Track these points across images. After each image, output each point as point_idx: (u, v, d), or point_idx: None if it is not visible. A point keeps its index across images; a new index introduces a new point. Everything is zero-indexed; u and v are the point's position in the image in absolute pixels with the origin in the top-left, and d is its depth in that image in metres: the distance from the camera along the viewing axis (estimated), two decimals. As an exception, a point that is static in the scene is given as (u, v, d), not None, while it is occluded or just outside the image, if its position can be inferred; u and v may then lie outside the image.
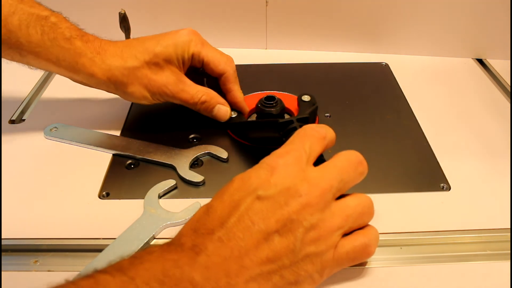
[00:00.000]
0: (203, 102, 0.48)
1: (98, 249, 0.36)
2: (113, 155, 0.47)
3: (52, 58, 0.45)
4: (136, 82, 0.46)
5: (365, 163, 0.34)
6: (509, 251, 0.37)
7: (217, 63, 0.48)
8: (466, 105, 0.56)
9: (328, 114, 0.54)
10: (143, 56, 0.46)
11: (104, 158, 0.47)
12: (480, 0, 0.62)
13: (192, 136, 0.50)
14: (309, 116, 0.45)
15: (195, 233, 0.29)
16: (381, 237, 0.38)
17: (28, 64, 0.46)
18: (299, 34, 0.68)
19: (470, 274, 0.35)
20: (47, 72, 0.64)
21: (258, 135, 0.48)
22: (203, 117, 0.53)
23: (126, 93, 0.47)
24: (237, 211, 0.30)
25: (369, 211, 0.33)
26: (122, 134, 0.51)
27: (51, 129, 0.51)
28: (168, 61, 0.46)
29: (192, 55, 0.47)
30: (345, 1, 0.64)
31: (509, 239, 0.38)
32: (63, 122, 0.52)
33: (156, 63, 0.46)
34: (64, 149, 0.49)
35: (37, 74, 0.63)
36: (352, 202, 0.32)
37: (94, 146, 0.48)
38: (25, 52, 0.44)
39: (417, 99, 0.56)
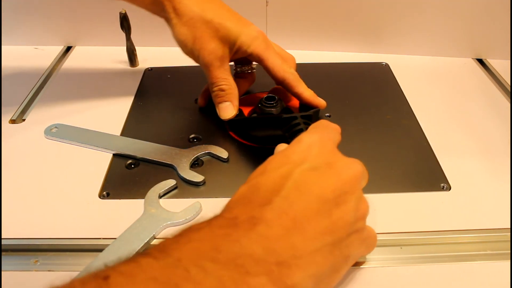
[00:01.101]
0: (222, 90, 0.48)
1: (98, 249, 0.36)
2: (113, 155, 0.47)
3: None
4: (191, 26, 0.46)
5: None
6: (509, 251, 0.37)
7: (276, 70, 0.48)
8: (466, 105, 0.56)
9: (328, 114, 0.54)
10: (212, 17, 0.47)
11: (104, 158, 0.47)
12: (480, 0, 0.62)
13: (192, 136, 0.50)
14: (312, 114, 0.45)
15: (248, 205, 0.27)
16: (381, 237, 0.38)
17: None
18: (299, 34, 0.68)
19: (470, 274, 0.35)
20: (47, 72, 0.64)
21: (260, 133, 0.48)
22: (203, 117, 0.53)
23: (176, 25, 0.47)
24: (290, 179, 0.28)
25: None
26: (122, 134, 0.51)
27: (51, 129, 0.51)
28: (226, 37, 0.47)
29: (251, 54, 0.48)
30: (345, 1, 0.64)
31: (509, 239, 0.38)
32: (63, 122, 0.52)
33: (217, 29, 0.46)
34: (64, 149, 0.49)
35: (37, 74, 0.63)
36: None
37: (94, 146, 0.48)
38: None
39: (417, 99, 0.56)
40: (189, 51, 0.48)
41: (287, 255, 0.25)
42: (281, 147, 0.37)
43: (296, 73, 0.49)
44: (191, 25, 0.47)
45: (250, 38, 0.47)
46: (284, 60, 0.49)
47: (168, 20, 0.48)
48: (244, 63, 0.53)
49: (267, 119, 0.47)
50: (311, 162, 0.30)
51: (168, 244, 0.24)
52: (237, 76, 0.54)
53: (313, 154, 0.31)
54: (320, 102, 0.49)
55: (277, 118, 0.44)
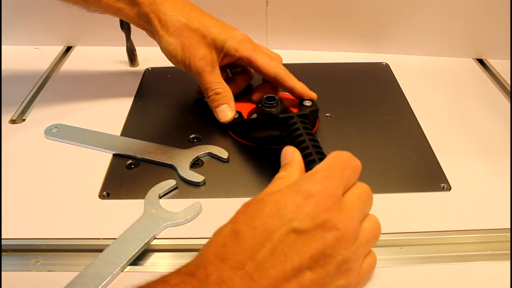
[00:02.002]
0: (217, 93, 0.49)
1: (99, 249, 0.36)
2: (113, 155, 0.47)
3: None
4: (179, 35, 0.47)
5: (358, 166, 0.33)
6: (509, 251, 0.37)
7: (267, 68, 0.49)
8: (466, 105, 0.56)
9: (328, 114, 0.54)
10: (197, 25, 0.48)
11: (104, 158, 0.47)
12: (480, 0, 0.62)
13: (192, 136, 0.50)
14: (309, 113, 0.45)
15: (222, 264, 0.27)
16: (382, 237, 0.38)
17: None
18: (299, 34, 0.68)
19: (470, 274, 0.35)
20: (47, 72, 0.64)
21: (259, 134, 0.48)
22: (203, 117, 0.53)
23: (165, 36, 0.48)
24: (269, 242, 0.27)
25: (378, 234, 0.32)
26: (122, 134, 0.51)
27: (51, 129, 0.51)
28: (213, 43, 0.48)
29: (240, 57, 0.49)
30: (345, 1, 0.64)
31: (509, 239, 0.38)
32: (63, 122, 0.52)
33: (204, 36, 0.48)
34: (64, 149, 0.48)
35: (37, 74, 0.63)
36: (368, 225, 0.31)
37: (94, 146, 0.48)
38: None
39: (417, 99, 0.56)
40: (179, 61, 0.49)
41: None
42: (287, 150, 0.36)
43: (285, 69, 0.50)
44: (178, 34, 0.48)
45: (236, 42, 0.48)
46: (272, 58, 0.50)
47: (154, 33, 0.49)
48: (234, 66, 0.54)
49: (264, 120, 0.47)
50: (301, 221, 0.28)
51: None
52: (234, 76, 0.54)
53: (306, 211, 0.28)
54: (312, 94, 0.50)
55: (274, 118, 0.44)
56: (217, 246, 0.28)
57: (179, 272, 0.27)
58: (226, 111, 0.49)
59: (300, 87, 0.50)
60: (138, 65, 0.65)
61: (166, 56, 0.50)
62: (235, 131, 0.50)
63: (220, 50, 0.49)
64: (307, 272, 0.27)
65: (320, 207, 0.28)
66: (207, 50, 0.48)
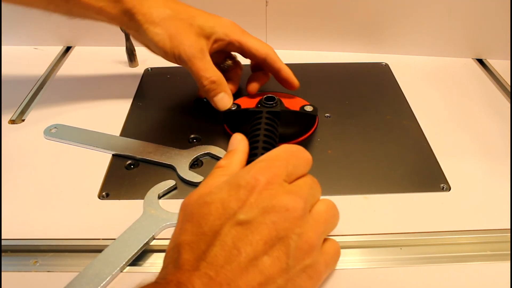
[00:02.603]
0: (212, 82, 0.48)
1: (98, 250, 0.36)
2: (113, 155, 0.47)
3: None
4: (164, 26, 0.46)
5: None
6: (509, 252, 0.37)
7: (258, 47, 0.50)
8: (466, 105, 0.56)
9: (328, 114, 0.54)
10: (183, 15, 0.47)
11: (104, 158, 0.47)
12: (480, 0, 0.62)
13: (192, 136, 0.50)
14: (280, 112, 0.45)
15: (179, 270, 0.27)
16: (381, 238, 0.38)
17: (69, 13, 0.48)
18: (299, 34, 0.68)
19: (470, 275, 0.35)
20: (47, 72, 0.64)
21: (245, 129, 0.48)
22: (202, 117, 0.53)
23: (149, 31, 0.47)
24: (218, 240, 0.27)
25: (337, 214, 0.32)
26: (122, 134, 0.51)
27: (51, 129, 0.50)
28: (201, 30, 0.48)
29: (230, 41, 0.49)
30: (345, 1, 0.64)
31: (509, 239, 0.38)
32: (63, 122, 0.52)
33: (191, 25, 0.47)
34: (64, 149, 0.48)
35: (37, 74, 0.63)
36: (322, 207, 0.31)
37: (94, 146, 0.48)
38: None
39: (417, 99, 0.56)
40: (168, 51, 0.48)
41: None
42: (235, 137, 0.36)
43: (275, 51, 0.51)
44: (164, 24, 0.47)
45: (224, 27, 0.49)
46: (262, 41, 0.51)
47: (138, 29, 0.48)
48: (221, 60, 0.54)
49: (242, 111, 0.49)
50: (246, 212, 0.28)
51: None
52: (226, 73, 0.53)
53: (250, 201, 0.28)
54: (295, 81, 0.51)
55: (245, 111, 0.44)
56: (173, 258, 0.28)
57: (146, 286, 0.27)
58: (225, 99, 0.49)
59: (287, 70, 0.51)
60: (137, 65, 0.65)
61: (153, 50, 0.49)
62: (231, 124, 0.50)
63: (209, 36, 0.48)
64: (266, 259, 0.27)
65: (263, 194, 0.28)
66: (195, 37, 0.47)
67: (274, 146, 0.39)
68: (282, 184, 0.30)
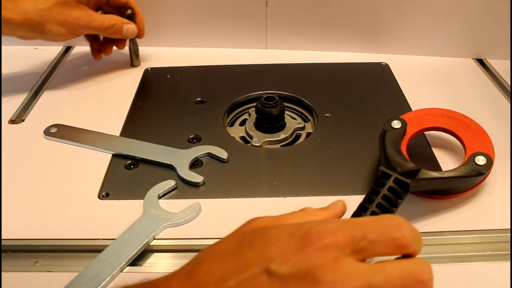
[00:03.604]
0: (113, 25, 0.56)
1: (98, 250, 0.36)
2: (113, 155, 0.47)
3: None
4: (51, 21, 0.51)
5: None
6: (509, 252, 0.37)
7: None
8: (466, 105, 0.56)
9: (328, 114, 0.54)
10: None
11: (103, 158, 0.47)
12: (480, 0, 0.62)
13: (192, 136, 0.50)
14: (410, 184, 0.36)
15: (187, 279, 0.25)
16: (381, 238, 0.38)
17: None
18: (299, 34, 0.68)
19: (470, 275, 0.35)
20: (47, 72, 0.64)
21: None
22: (202, 117, 0.53)
23: (43, 32, 0.52)
24: (240, 275, 0.24)
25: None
26: (122, 134, 0.51)
27: (50, 129, 0.50)
28: (76, 0, 0.53)
29: None
30: (345, 1, 0.64)
31: (509, 239, 0.38)
32: (63, 122, 0.52)
33: (65, 2, 0.52)
34: (64, 149, 0.48)
35: (37, 74, 0.63)
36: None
37: (94, 146, 0.48)
38: None
39: (417, 99, 0.56)
40: (72, 33, 0.54)
41: None
42: (338, 202, 0.32)
43: None
44: (46, 20, 0.51)
45: None
46: None
47: (35, 33, 0.52)
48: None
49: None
50: (280, 264, 0.24)
51: None
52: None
53: (291, 254, 0.24)
54: (143, 28, 0.61)
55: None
56: (195, 261, 0.27)
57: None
58: (130, 28, 0.58)
59: (141, 15, 0.60)
60: (139, 64, 0.65)
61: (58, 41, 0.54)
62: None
63: (83, 1, 0.54)
64: None
65: (310, 256, 0.24)
66: (74, 9, 0.52)
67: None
68: (340, 256, 0.24)
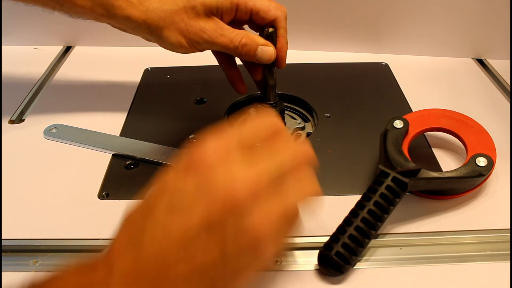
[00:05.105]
0: (244, 45, 0.44)
1: (98, 250, 0.36)
2: (113, 155, 0.47)
3: (87, 4, 0.44)
4: (172, 26, 0.43)
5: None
6: (509, 252, 0.37)
7: (266, 9, 0.45)
8: (466, 105, 0.56)
9: (328, 114, 0.53)
10: (182, 2, 0.44)
11: (103, 158, 0.47)
12: (480, 0, 0.62)
13: (192, 136, 0.50)
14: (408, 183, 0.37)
15: (110, 247, 0.26)
16: (381, 238, 0.38)
17: (67, 12, 0.46)
18: (299, 34, 0.67)
19: (470, 275, 0.35)
20: (47, 72, 0.64)
21: None
22: (203, 117, 0.53)
23: (161, 38, 0.44)
24: (148, 224, 0.25)
25: (309, 190, 0.27)
26: (121, 134, 0.51)
27: (50, 129, 0.50)
28: (207, 8, 0.44)
29: (237, 6, 0.45)
30: (345, 2, 0.64)
31: (509, 239, 0.38)
32: (62, 122, 0.52)
33: (194, 7, 0.43)
34: (63, 149, 0.48)
35: (37, 74, 0.63)
36: (292, 187, 0.26)
37: (94, 146, 0.48)
38: (62, 0, 0.44)
39: (417, 99, 0.56)
40: (193, 46, 0.45)
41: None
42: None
43: (286, 17, 0.46)
44: (166, 24, 0.44)
45: None
46: (271, 1, 0.46)
47: (153, 37, 0.45)
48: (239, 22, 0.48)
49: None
50: (176, 196, 0.25)
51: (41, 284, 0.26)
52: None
53: (190, 176, 0.25)
54: (283, 60, 0.46)
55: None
56: (118, 232, 0.28)
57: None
58: (266, 51, 0.44)
59: (283, 42, 0.46)
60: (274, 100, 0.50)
61: (172, 50, 0.46)
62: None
63: (215, 9, 0.44)
64: (198, 245, 0.24)
65: (202, 171, 0.25)
66: (202, 18, 0.43)
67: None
68: (230, 159, 0.25)
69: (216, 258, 0.24)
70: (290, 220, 0.26)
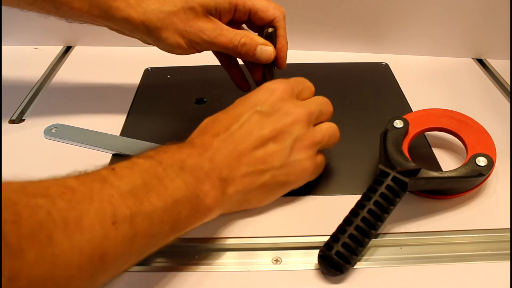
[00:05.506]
0: (243, 45, 0.44)
1: (98, 249, 0.36)
2: (113, 155, 0.47)
3: (84, 7, 0.43)
4: (170, 28, 0.43)
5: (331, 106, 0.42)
6: (509, 251, 0.37)
7: (264, 9, 0.45)
8: (466, 105, 0.56)
9: (328, 114, 0.53)
10: (180, 3, 0.43)
11: (103, 158, 0.47)
12: (480, 0, 0.62)
13: (192, 136, 0.50)
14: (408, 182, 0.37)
15: (204, 135, 0.37)
16: (381, 237, 0.38)
17: (64, 16, 0.45)
18: (298, 34, 0.67)
19: (470, 274, 0.35)
20: (47, 72, 0.64)
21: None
22: (203, 117, 0.53)
23: (159, 38, 0.44)
24: (239, 120, 0.37)
25: (337, 134, 0.41)
26: (121, 134, 0.51)
27: (51, 129, 0.51)
28: (206, 9, 0.44)
29: (236, 6, 0.45)
30: (345, 1, 0.64)
31: (509, 239, 0.38)
32: (63, 122, 0.52)
33: (192, 8, 0.43)
34: (64, 149, 0.48)
35: (37, 74, 0.63)
36: (325, 125, 0.40)
37: (94, 146, 0.48)
38: (59, 3, 0.44)
39: (417, 99, 0.56)
40: (192, 47, 0.45)
41: (224, 173, 0.35)
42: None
43: (285, 17, 0.46)
44: (165, 26, 0.43)
45: None
46: (270, 1, 0.46)
47: (151, 38, 0.45)
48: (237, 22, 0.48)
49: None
50: (262, 106, 0.38)
51: (151, 153, 0.33)
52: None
53: (270, 100, 0.38)
54: (283, 60, 0.47)
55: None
56: (200, 128, 0.39)
57: (174, 144, 0.36)
58: (265, 51, 0.45)
59: (283, 42, 0.47)
60: None
61: (170, 51, 0.46)
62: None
63: (214, 9, 0.44)
64: (270, 143, 0.37)
65: (277, 98, 0.39)
66: (201, 19, 0.44)
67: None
68: (292, 96, 0.40)
69: (280, 154, 0.37)
70: (325, 145, 0.41)
